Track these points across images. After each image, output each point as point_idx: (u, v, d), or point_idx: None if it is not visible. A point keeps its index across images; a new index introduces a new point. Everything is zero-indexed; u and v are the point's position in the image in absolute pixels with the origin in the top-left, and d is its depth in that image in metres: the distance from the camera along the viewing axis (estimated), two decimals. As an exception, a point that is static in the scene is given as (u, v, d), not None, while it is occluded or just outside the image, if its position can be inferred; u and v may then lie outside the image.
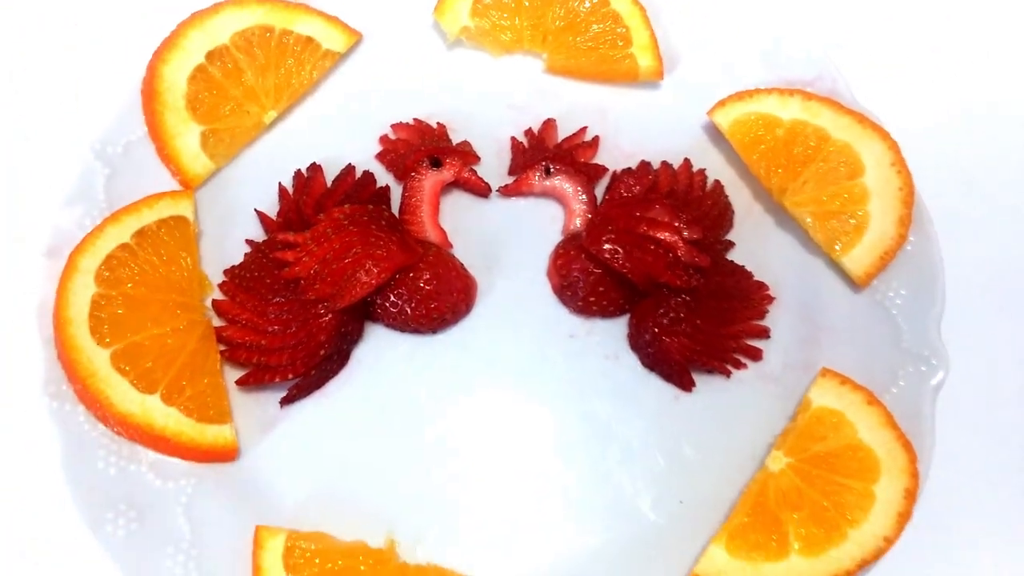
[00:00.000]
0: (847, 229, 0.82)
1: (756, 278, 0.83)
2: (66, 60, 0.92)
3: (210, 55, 0.87)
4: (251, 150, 0.88)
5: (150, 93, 0.85)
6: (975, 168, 0.91)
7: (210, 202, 0.85)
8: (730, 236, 0.86)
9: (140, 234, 0.80)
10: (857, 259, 0.81)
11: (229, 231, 0.84)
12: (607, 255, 0.79)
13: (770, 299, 0.83)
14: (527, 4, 0.93)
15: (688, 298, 0.80)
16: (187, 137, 0.85)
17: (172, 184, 0.85)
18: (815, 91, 0.87)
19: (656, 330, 0.79)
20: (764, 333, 0.82)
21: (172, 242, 0.81)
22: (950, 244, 0.82)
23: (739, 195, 0.88)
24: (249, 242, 0.83)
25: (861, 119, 0.84)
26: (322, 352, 0.77)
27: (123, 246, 0.79)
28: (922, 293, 0.80)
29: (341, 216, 0.79)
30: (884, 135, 0.83)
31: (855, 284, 0.82)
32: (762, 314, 0.83)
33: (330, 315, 0.77)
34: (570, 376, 0.81)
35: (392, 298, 0.79)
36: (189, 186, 0.85)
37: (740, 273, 0.83)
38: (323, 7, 0.91)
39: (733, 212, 0.87)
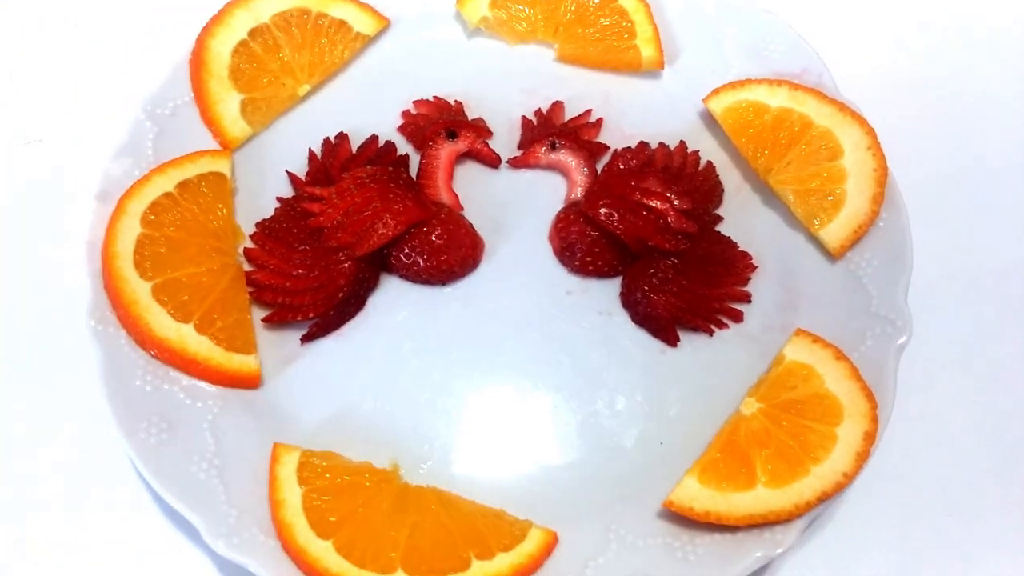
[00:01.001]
0: (825, 206, 0.89)
1: (741, 248, 0.91)
2: (126, 29, 1.02)
3: (252, 32, 0.96)
4: (285, 119, 0.96)
5: (197, 63, 0.94)
6: (944, 152, 0.99)
7: (246, 163, 0.94)
8: (719, 212, 0.94)
9: (182, 185, 0.88)
10: (833, 233, 0.88)
11: (262, 189, 0.93)
12: (603, 218, 0.86)
13: (753, 267, 0.90)
14: (541, -1, 1.01)
15: (676, 261, 0.87)
16: (228, 104, 0.94)
17: (213, 145, 0.93)
18: (802, 82, 0.95)
19: (646, 289, 0.87)
20: (746, 297, 0.89)
21: (211, 194, 0.89)
22: (919, 220, 0.88)
23: (729, 176, 0.96)
24: (280, 199, 0.92)
25: (842, 107, 0.92)
26: (340, 295, 0.85)
27: (167, 194, 0.87)
28: (891, 264, 0.87)
29: (363, 175, 0.88)
30: (862, 122, 0.91)
31: (831, 255, 0.89)
32: (745, 280, 0.90)
33: (349, 262, 0.85)
34: (566, 329, 0.88)
35: (406, 250, 0.87)
36: (228, 147, 0.93)
37: (726, 243, 0.91)
38: (357, -5, 1.00)
39: (723, 190, 0.95)
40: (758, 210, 0.94)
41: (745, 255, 0.90)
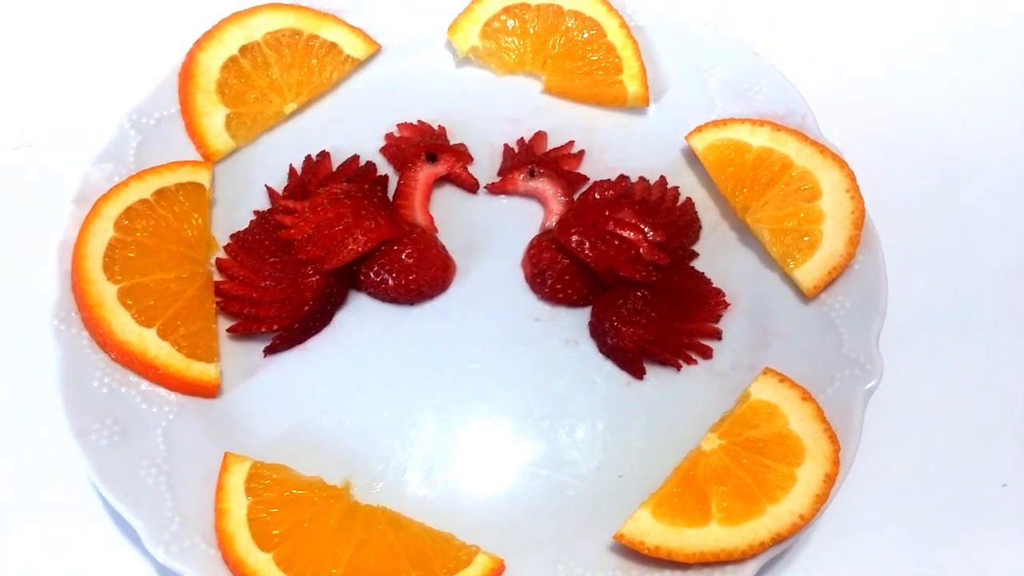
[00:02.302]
0: (801, 246, 0.88)
1: (714, 285, 0.90)
2: (122, 40, 1.04)
3: (243, 49, 0.98)
4: (269, 135, 0.97)
5: (186, 75, 0.96)
6: (923, 198, 0.99)
7: (227, 176, 0.94)
8: (696, 248, 0.93)
9: (160, 193, 0.89)
10: (808, 273, 0.87)
11: (240, 202, 0.93)
12: (574, 245, 0.86)
13: (725, 304, 0.89)
14: (531, 31, 1.02)
15: (647, 293, 0.87)
16: (213, 117, 0.95)
17: (195, 156, 0.94)
18: (784, 123, 0.95)
19: (614, 319, 0.86)
20: (716, 334, 0.88)
21: (187, 204, 0.90)
22: (895, 265, 0.87)
23: (708, 213, 0.95)
24: (256, 212, 0.92)
25: (823, 149, 0.92)
26: (306, 308, 0.85)
27: (143, 201, 0.88)
28: (864, 307, 0.86)
29: (338, 191, 0.88)
30: (842, 164, 0.91)
31: (804, 295, 0.88)
32: (716, 317, 0.89)
33: (317, 277, 0.85)
34: (532, 356, 0.87)
35: (376, 268, 0.87)
36: (209, 159, 0.94)
37: (699, 278, 0.90)
38: (350, 19, 1.02)
39: (700, 227, 0.94)
40: (734, 248, 0.93)
41: (718, 291, 0.89)
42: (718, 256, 0.92)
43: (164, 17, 1.06)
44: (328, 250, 0.85)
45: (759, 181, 0.92)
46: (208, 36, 0.98)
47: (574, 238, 0.86)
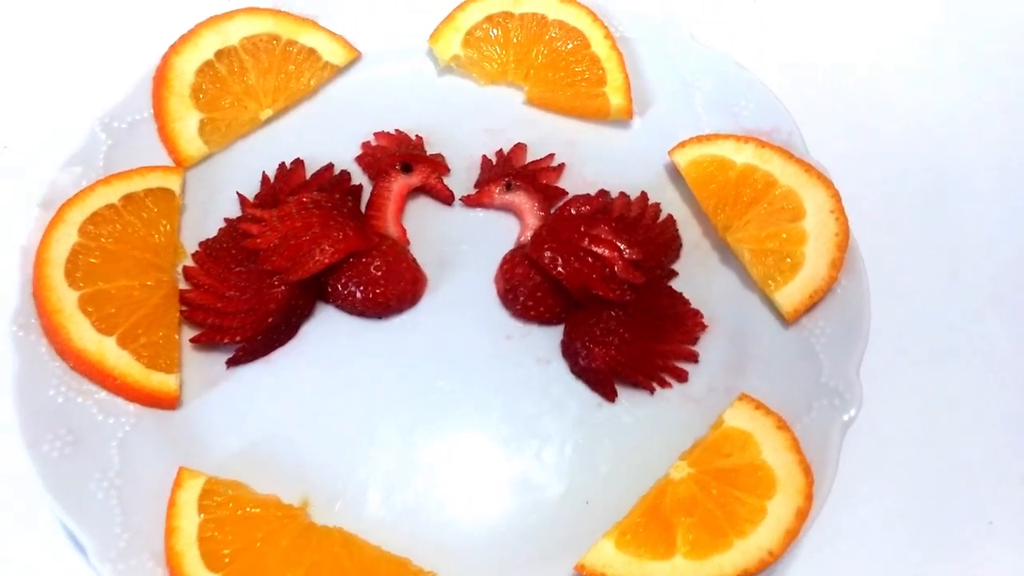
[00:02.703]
0: (782, 267, 0.86)
1: (692, 306, 0.87)
2: (93, 43, 1.02)
3: (219, 53, 0.96)
4: (244, 142, 0.96)
5: (160, 79, 0.94)
6: (911, 222, 0.96)
7: (199, 181, 0.93)
8: (676, 267, 0.91)
9: (128, 198, 0.87)
10: (788, 296, 0.85)
11: (211, 209, 0.91)
12: (546, 261, 0.84)
13: (702, 326, 0.86)
14: (514, 40, 1.00)
15: (621, 313, 0.84)
16: (187, 121, 0.93)
17: (167, 162, 0.93)
18: (770, 140, 0.92)
19: (587, 339, 0.83)
20: (692, 357, 0.85)
21: (156, 210, 0.88)
22: (880, 290, 0.84)
23: (689, 231, 0.93)
24: (227, 220, 0.90)
25: (808, 168, 0.89)
26: (270, 320, 0.83)
27: (110, 206, 0.86)
28: (846, 333, 0.83)
29: (307, 200, 0.86)
30: (827, 184, 0.88)
31: (784, 319, 0.85)
32: (693, 339, 0.86)
33: (283, 287, 0.83)
34: (502, 374, 0.85)
35: (344, 280, 0.85)
36: (181, 165, 0.92)
37: (677, 298, 0.87)
38: (330, 25, 1.00)
39: (680, 245, 0.92)
40: (715, 268, 0.91)
41: (696, 313, 0.87)
42: (698, 276, 0.90)
43: (140, 20, 1.05)
44: (294, 261, 0.83)
45: (742, 199, 0.89)
46: (184, 40, 0.96)
47: (547, 254, 0.84)
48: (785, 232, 0.87)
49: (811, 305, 0.84)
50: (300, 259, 0.83)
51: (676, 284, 0.89)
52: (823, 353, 0.83)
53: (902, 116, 1.02)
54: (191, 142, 0.93)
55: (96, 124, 0.91)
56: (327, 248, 0.83)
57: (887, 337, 0.87)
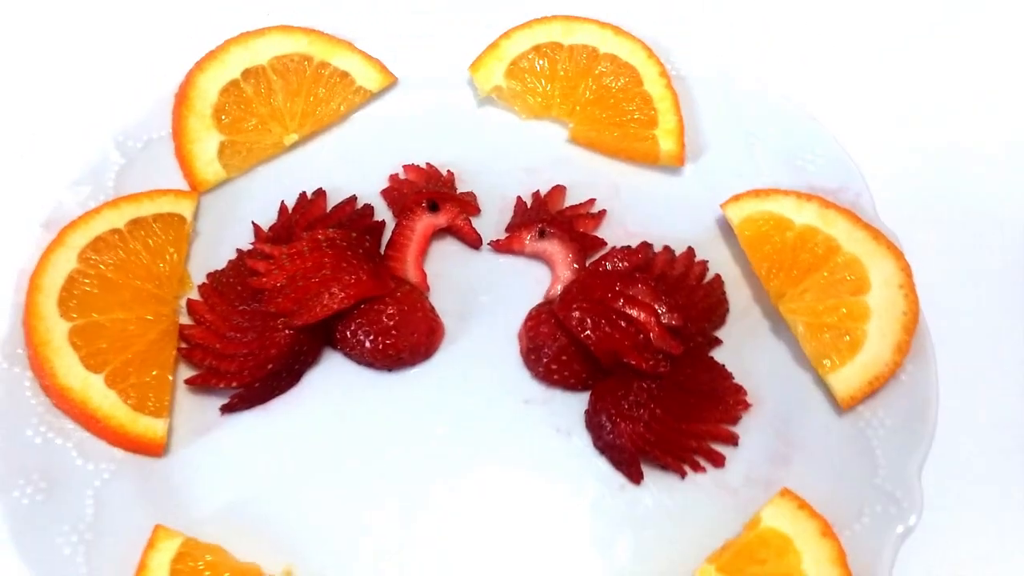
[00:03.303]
0: (840, 346, 0.76)
1: (736, 381, 0.78)
2: (118, 56, 0.98)
3: (246, 72, 0.91)
4: (265, 167, 0.90)
5: (181, 97, 0.89)
6: (991, 303, 0.84)
7: (214, 208, 0.87)
8: (720, 334, 0.82)
9: (135, 223, 0.82)
10: (845, 379, 0.75)
11: (224, 238, 0.86)
12: (573, 322, 0.76)
13: (746, 405, 0.77)
14: (561, 73, 0.93)
15: (654, 385, 0.76)
16: (206, 143, 0.88)
17: (182, 185, 0.87)
18: (836, 200, 0.83)
19: (612, 412, 0.75)
20: (731, 439, 0.76)
21: (164, 236, 0.83)
22: (951, 381, 0.74)
23: (739, 294, 0.84)
24: (238, 250, 0.84)
25: (876, 235, 0.79)
26: (270, 366, 0.76)
27: (115, 231, 0.81)
28: (908, 428, 0.73)
29: (322, 238, 0.80)
30: (898, 255, 0.78)
31: (839, 406, 0.76)
32: (734, 419, 0.77)
33: (287, 332, 0.77)
34: (517, 442, 0.77)
35: (353, 327, 0.78)
36: (196, 189, 0.87)
37: (718, 372, 0.78)
38: (366, 47, 0.94)
39: (727, 310, 0.83)
40: (764, 339, 0.81)
41: (739, 389, 0.77)
42: (744, 347, 0.81)
43: (170, 36, 0.99)
44: (301, 304, 0.77)
45: (799, 264, 0.80)
46: (210, 57, 0.91)
47: (575, 314, 0.76)
48: (846, 306, 0.77)
49: (870, 392, 0.75)
50: (307, 303, 0.77)
51: (719, 354, 0.80)
52: (880, 449, 0.73)
53: (989, 186, 0.91)
54: (209, 165, 0.88)
55: (109, 142, 0.86)
56: (337, 292, 0.76)
57: (956, 436, 0.76)
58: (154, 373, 0.77)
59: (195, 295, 0.82)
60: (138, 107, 0.89)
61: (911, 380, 0.75)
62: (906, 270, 0.77)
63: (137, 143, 0.87)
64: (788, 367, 0.80)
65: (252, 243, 0.83)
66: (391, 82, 0.93)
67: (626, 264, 0.81)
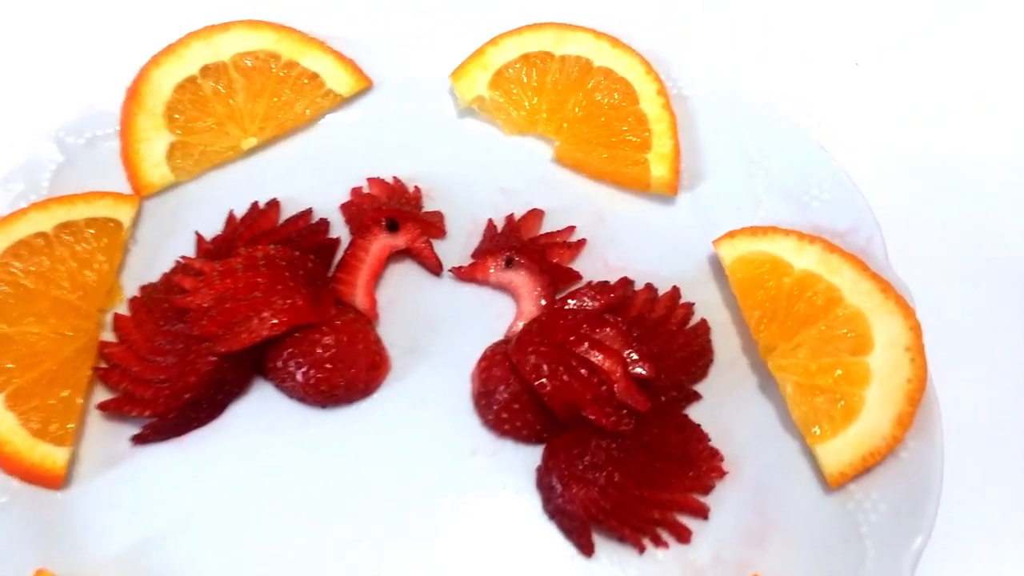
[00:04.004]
0: (832, 413, 0.67)
1: (712, 444, 0.68)
2: (64, 42, 0.91)
3: (205, 69, 0.84)
4: (219, 173, 0.83)
5: (132, 92, 0.82)
6: (1010, 375, 0.73)
7: (157, 214, 0.81)
8: (700, 388, 0.72)
9: (64, 227, 0.76)
10: (835, 452, 0.66)
11: (167, 248, 0.79)
12: (528, 367, 0.67)
13: (721, 472, 0.68)
14: (550, 86, 0.84)
15: (614, 445, 0.66)
16: (154, 143, 0.81)
17: (125, 188, 0.81)
18: (843, 244, 0.73)
19: (565, 472, 0.66)
20: (701, 512, 0.67)
21: (95, 243, 0.76)
22: (958, 465, 0.64)
23: (726, 343, 0.75)
24: (176, 262, 0.77)
25: (885, 288, 0.69)
26: (188, 395, 0.69)
27: (41, 234, 0.75)
28: (905, 516, 0.63)
29: (259, 255, 0.72)
30: (907, 312, 0.68)
31: (827, 482, 0.66)
32: (706, 488, 0.68)
33: (211, 357, 0.69)
34: (457, 499, 0.69)
35: (285, 356, 0.70)
36: (139, 193, 0.80)
37: (692, 432, 0.69)
38: (340, 47, 0.86)
39: (711, 361, 0.73)
40: (749, 397, 0.73)
41: (714, 454, 0.68)
42: (725, 405, 0.72)
43: (128, 25, 0.92)
44: (226, 328, 0.69)
45: (794, 315, 0.71)
46: (168, 51, 0.84)
47: (530, 359, 0.67)
48: (843, 367, 0.67)
49: (863, 469, 0.66)
50: (234, 327, 0.69)
51: (696, 412, 0.71)
52: (870, 538, 0.64)
53: (1014, 237, 0.80)
54: (155, 168, 0.81)
55: (48, 137, 0.79)
56: (267, 317, 0.69)
57: (960, 531, 0.65)
58: (64, 394, 0.70)
59: (124, 309, 0.75)
60: (84, 100, 0.82)
61: (912, 459, 0.65)
62: (915, 330, 0.67)
63: (79, 140, 0.81)
64: (773, 432, 0.71)
65: (181, 257, 0.75)
66: (364, 86, 0.86)
67: (598, 302, 0.72)
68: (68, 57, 0.90)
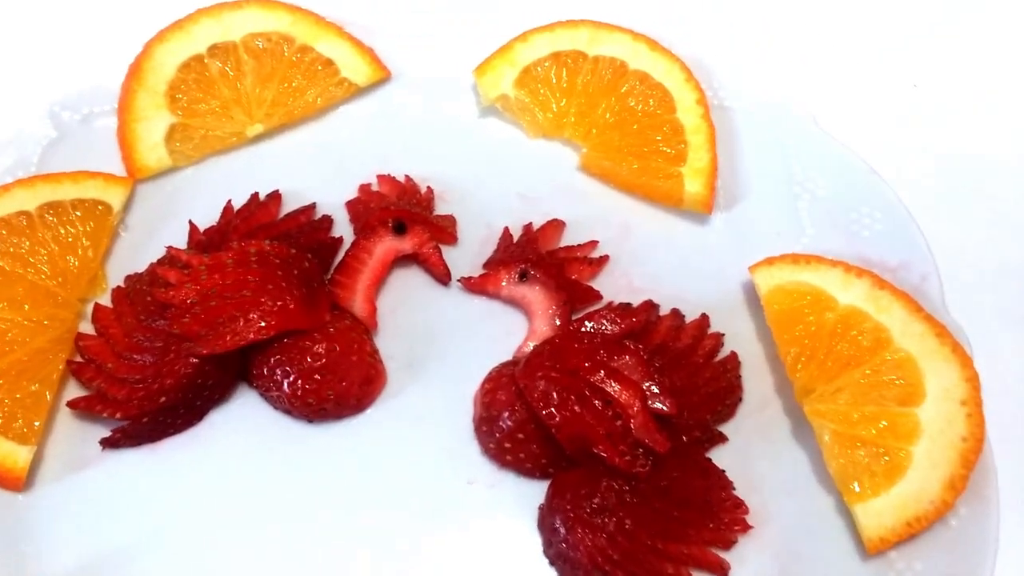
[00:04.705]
0: (875, 468, 0.60)
1: (736, 493, 0.62)
2: (65, 14, 0.86)
3: (213, 48, 0.79)
4: (219, 159, 0.79)
5: (134, 69, 0.78)
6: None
7: (151, 199, 0.76)
8: (726, 429, 0.65)
9: (49, 207, 0.71)
10: (876, 513, 0.59)
11: (158, 236, 0.74)
12: (536, 395, 0.60)
13: (745, 527, 0.61)
14: (580, 88, 0.78)
15: (627, 487, 0.60)
16: (153, 123, 0.76)
17: (118, 170, 0.75)
18: (895, 280, 0.66)
19: (571, 514, 0.59)
20: (720, 569, 0.61)
21: (81, 227, 0.72)
22: (1015, 536, 0.56)
23: (758, 381, 0.68)
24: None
25: (941, 332, 0.63)
26: (163, 399, 0.63)
27: (23, 213, 0.70)
28: (953, 592, 0.55)
29: (252, 251, 0.66)
30: (965, 361, 0.61)
31: (865, 547, 0.59)
32: (728, 543, 0.61)
33: (192, 360, 0.63)
34: (449, 532, 0.62)
35: (272, 363, 0.64)
36: (133, 175, 0.75)
37: (715, 479, 0.62)
38: (359, 34, 0.80)
39: (740, 399, 0.67)
40: (781, 443, 0.67)
41: (738, 505, 0.62)
42: (754, 450, 0.66)
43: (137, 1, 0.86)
44: (210, 328, 0.63)
45: (836, 356, 0.65)
46: (174, 26, 0.79)
47: (539, 384, 0.61)
48: (888, 418, 0.61)
49: (907, 536, 0.59)
50: (218, 327, 0.63)
51: (720, 455, 0.64)
52: (912, 614, 0.56)
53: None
54: (152, 150, 0.76)
55: (42, 111, 0.74)
56: (255, 319, 0.63)
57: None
58: (32, 388, 0.65)
59: (107, 300, 0.69)
60: (82, 73, 0.77)
61: (963, 528, 0.58)
62: (973, 381, 0.61)
63: (75, 115, 0.76)
64: (806, 484, 0.64)
65: (168, 247, 0.69)
66: (382, 77, 0.81)
67: (618, 327, 0.66)
68: (68, 28, 0.85)
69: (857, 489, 0.60)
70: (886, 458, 0.60)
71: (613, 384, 0.61)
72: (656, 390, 0.62)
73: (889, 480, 0.59)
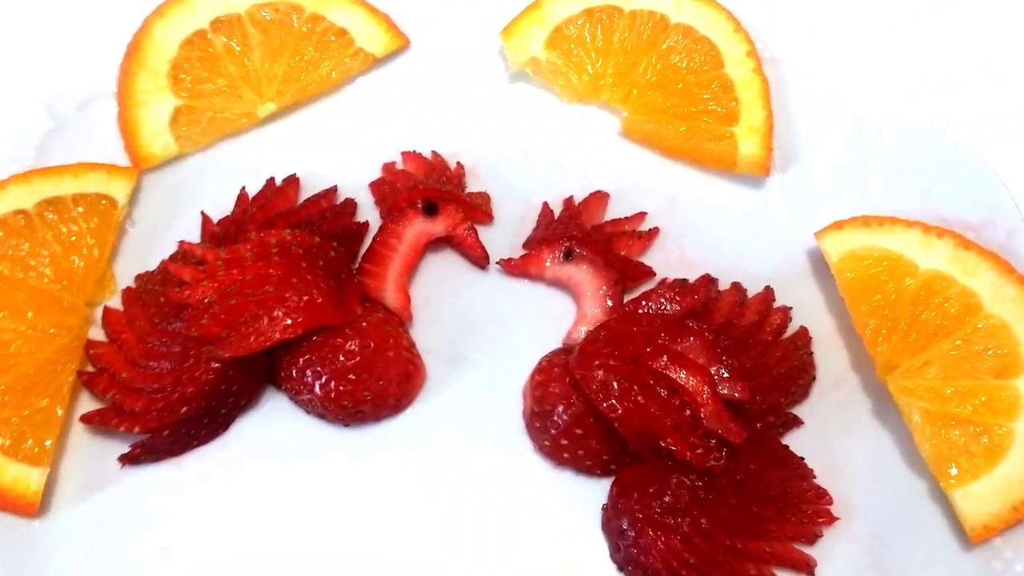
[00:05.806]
0: (973, 449, 0.56)
1: (817, 482, 0.57)
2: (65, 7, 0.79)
3: (217, 22, 0.74)
4: (230, 143, 0.75)
5: (133, 48, 0.73)
6: None
7: (159, 190, 0.72)
8: (800, 411, 0.60)
9: (49, 204, 0.67)
10: (977, 499, 0.56)
11: (168, 230, 0.70)
12: (595, 386, 0.55)
13: (830, 518, 0.58)
14: (617, 45, 0.73)
15: (700, 483, 0.55)
16: (156, 107, 0.72)
17: (121, 160, 0.71)
18: (979, 239, 0.61)
19: (639, 515, 0.55)
20: (806, 566, 0.56)
21: (85, 224, 0.67)
22: None
23: (832, 356, 0.64)
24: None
25: (1038, 293, 0.56)
26: (184, 409, 0.58)
27: (20, 213, 0.66)
28: (1071, 584, 0.50)
29: (273, 241, 0.61)
30: (1068, 325, 0.55)
31: (967, 535, 0.54)
32: (812, 537, 0.57)
33: (213, 364, 0.58)
34: (504, 540, 0.58)
35: (301, 364, 0.59)
36: (138, 165, 0.71)
37: (793, 467, 0.58)
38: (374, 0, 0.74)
39: (814, 378, 0.63)
40: (863, 424, 0.62)
41: (821, 494, 0.58)
42: (834, 431, 0.62)
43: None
44: (232, 329, 0.58)
45: (921, 326, 0.61)
46: (174, 1, 0.72)
47: (597, 374, 0.55)
48: (986, 393, 0.58)
49: (1014, 521, 0.56)
50: (240, 328, 0.58)
51: (796, 441, 0.60)
52: (1026, 609, 0.51)
53: None
54: (157, 136, 0.71)
55: (36, 101, 0.69)
56: (280, 317, 0.58)
57: None
58: (42, 404, 0.61)
59: (117, 302, 0.64)
60: (78, 58, 0.71)
61: (1079, 513, 0.52)
62: (1080, 349, 0.54)
63: (71, 103, 0.71)
64: (894, 469, 0.60)
65: (182, 242, 0.64)
66: (400, 46, 0.76)
67: (677, 306, 0.61)
68: (61, 8, 0.78)
69: (955, 473, 0.56)
70: (985, 437, 0.56)
71: (679, 370, 0.56)
72: (725, 374, 0.57)
73: (990, 461, 0.56)
